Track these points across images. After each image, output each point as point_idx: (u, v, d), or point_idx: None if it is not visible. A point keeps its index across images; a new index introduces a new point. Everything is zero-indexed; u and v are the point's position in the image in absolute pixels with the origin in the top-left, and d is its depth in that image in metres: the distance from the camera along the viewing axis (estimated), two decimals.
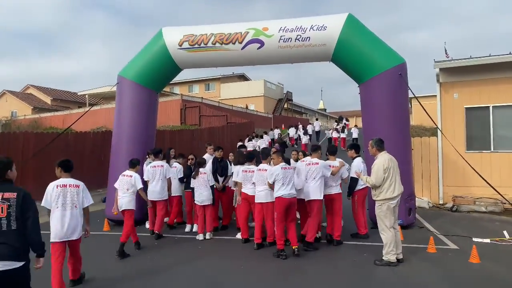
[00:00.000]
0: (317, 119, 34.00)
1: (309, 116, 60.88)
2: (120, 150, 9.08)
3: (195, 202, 7.74)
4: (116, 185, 7.05)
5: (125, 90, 9.27)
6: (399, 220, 7.07)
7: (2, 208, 3.38)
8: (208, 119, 29.46)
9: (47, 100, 45.95)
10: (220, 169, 8.36)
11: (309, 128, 28.77)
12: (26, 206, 3.45)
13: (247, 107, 43.80)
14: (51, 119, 36.07)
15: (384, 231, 5.98)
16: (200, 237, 7.67)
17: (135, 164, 7.16)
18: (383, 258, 5.98)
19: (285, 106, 54.76)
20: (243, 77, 52.40)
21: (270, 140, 24.26)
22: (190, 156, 8.83)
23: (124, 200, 6.87)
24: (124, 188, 6.92)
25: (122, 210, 6.86)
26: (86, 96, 41.12)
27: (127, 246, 6.80)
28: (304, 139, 24.56)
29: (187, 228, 8.42)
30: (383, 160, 5.95)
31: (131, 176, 6.98)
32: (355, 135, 24.16)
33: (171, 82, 52.06)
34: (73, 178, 5.01)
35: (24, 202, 3.45)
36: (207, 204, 7.65)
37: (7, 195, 3.42)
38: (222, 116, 29.48)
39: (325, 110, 77.18)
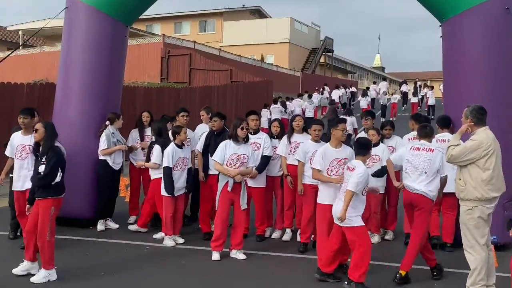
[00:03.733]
0: (384, 79, 35.50)
1: (358, 77, 60.41)
2: (67, 109, 9.10)
3: None
4: None
5: (78, 19, 9.24)
6: (492, 236, 6.97)
7: None
8: (203, 74, 29.46)
9: None
10: (214, 146, 8.22)
11: (372, 89, 31.30)
12: None
13: (262, 59, 43.60)
14: None
15: (472, 249, 5.90)
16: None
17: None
18: None
19: (322, 60, 54.33)
20: (258, 13, 52.04)
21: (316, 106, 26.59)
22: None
23: None
24: None
25: None
26: (20, 32, 41.40)
27: None
28: (363, 103, 27.00)
29: None
30: (484, 138, 5.88)
31: None
32: (431, 101, 27.00)
33: (148, 16, 51.28)
34: None
35: None
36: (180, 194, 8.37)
37: None
38: (224, 71, 29.46)
39: (382, 69, 76.44)
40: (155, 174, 8.57)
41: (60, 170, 6.53)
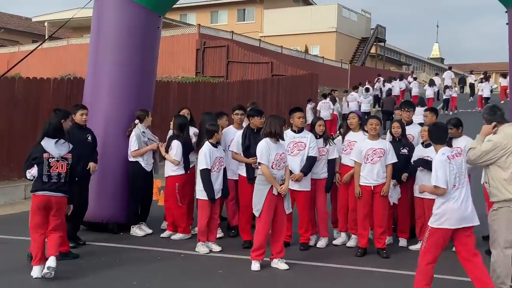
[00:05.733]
0: (450, 68, 36.63)
1: (414, 69, 59.52)
2: (97, 107, 9.22)
3: None
4: None
5: (108, 9, 9.39)
6: None
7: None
8: (241, 67, 29.56)
9: None
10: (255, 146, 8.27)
11: (436, 80, 31.78)
12: None
13: (307, 51, 43.48)
14: None
15: (495, 250, 6.20)
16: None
17: None
18: None
19: (373, 50, 53.75)
20: None
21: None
22: None
23: None
24: None
25: None
26: (46, 24, 42.27)
27: None
28: (429, 92, 27.78)
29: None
30: (500, 138, 6.20)
31: None
32: (486, 93, 27.72)
33: (182, 4, 50.81)
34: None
35: None
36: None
37: None
38: (265, 63, 29.52)
39: (441, 60, 75.22)
40: (171, 171, 8.89)
41: (35, 167, 6.87)
